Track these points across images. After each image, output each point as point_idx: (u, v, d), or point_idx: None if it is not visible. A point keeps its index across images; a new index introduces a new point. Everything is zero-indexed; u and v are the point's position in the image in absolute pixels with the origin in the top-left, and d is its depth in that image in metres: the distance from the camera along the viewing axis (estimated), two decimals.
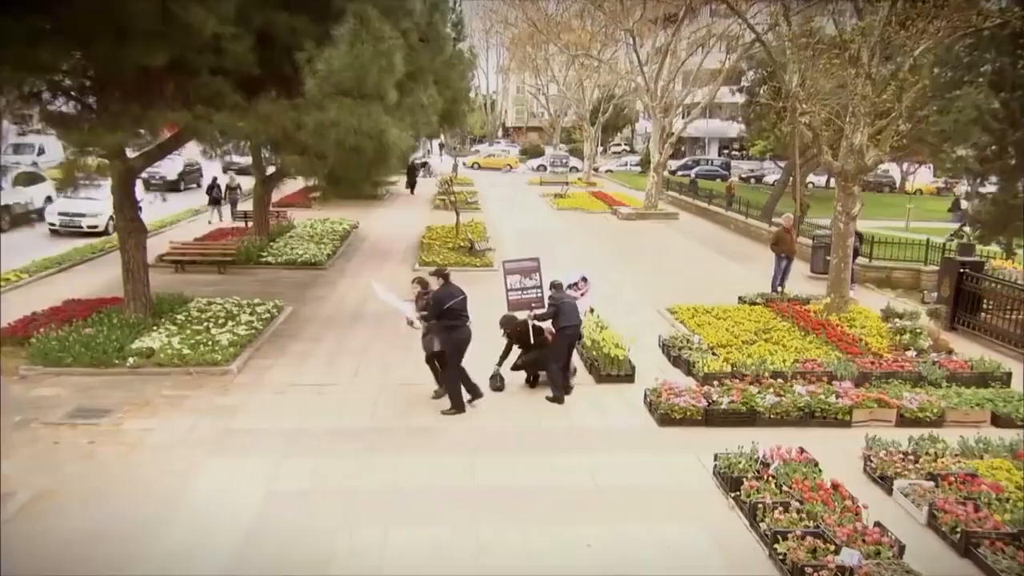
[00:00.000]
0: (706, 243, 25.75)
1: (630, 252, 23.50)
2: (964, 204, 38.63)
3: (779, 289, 16.90)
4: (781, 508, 7.24)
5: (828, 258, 14.95)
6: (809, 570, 6.24)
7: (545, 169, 54.30)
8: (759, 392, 10.27)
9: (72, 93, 11.98)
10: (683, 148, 71.82)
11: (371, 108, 11.41)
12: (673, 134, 32.94)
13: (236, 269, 18.50)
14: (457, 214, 24.15)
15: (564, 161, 56.25)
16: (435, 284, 10.19)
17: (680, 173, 52.31)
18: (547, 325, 10.80)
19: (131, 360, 11.18)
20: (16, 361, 11.16)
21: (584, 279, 11.92)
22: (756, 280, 18.12)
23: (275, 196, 28.43)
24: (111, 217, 23.15)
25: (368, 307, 15.17)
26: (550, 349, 10.81)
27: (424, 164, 48.06)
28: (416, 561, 6.72)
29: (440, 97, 15.73)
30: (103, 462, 8.45)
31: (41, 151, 31.94)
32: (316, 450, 8.87)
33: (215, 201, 26.65)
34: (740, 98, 37.87)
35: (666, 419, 9.84)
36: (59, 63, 10.91)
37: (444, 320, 9.93)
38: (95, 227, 22.63)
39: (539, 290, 11.05)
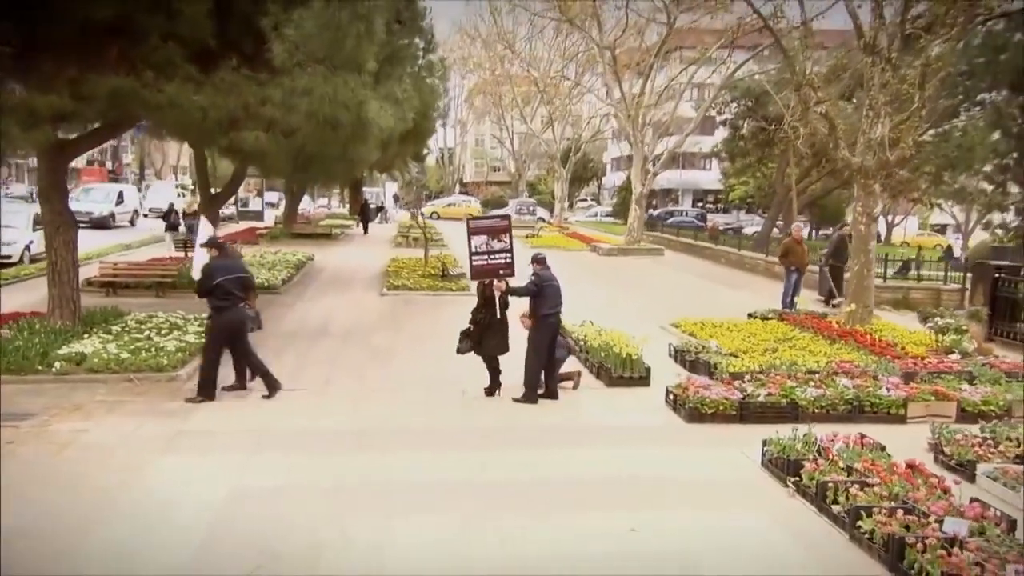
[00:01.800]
0: (700, 275, 25.42)
1: (618, 282, 22.99)
2: (957, 252, 39.42)
3: (791, 303, 16.54)
4: (857, 486, 6.62)
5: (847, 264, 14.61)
6: (912, 540, 5.59)
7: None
8: (798, 386, 9.71)
9: None
10: (655, 201, 72.50)
11: (348, 77, 10.94)
12: (658, 159, 33.21)
13: (177, 293, 17.50)
14: (427, 241, 23.64)
15: (531, 209, 55.19)
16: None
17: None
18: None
19: (57, 365, 10.23)
20: None
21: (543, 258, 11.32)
22: (760, 303, 17.39)
23: (221, 233, 27.48)
24: (27, 246, 22.20)
25: (335, 324, 14.40)
26: (529, 341, 10.00)
27: (381, 208, 47.55)
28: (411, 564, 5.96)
29: (413, 93, 15.30)
30: (26, 461, 7.52)
31: None
32: (288, 449, 8.05)
33: (173, 227, 25.70)
34: (722, 133, 38.30)
35: (695, 415, 9.21)
36: None
37: (212, 299, 9.46)
38: (7, 257, 21.40)
39: (508, 255, 10.18)
